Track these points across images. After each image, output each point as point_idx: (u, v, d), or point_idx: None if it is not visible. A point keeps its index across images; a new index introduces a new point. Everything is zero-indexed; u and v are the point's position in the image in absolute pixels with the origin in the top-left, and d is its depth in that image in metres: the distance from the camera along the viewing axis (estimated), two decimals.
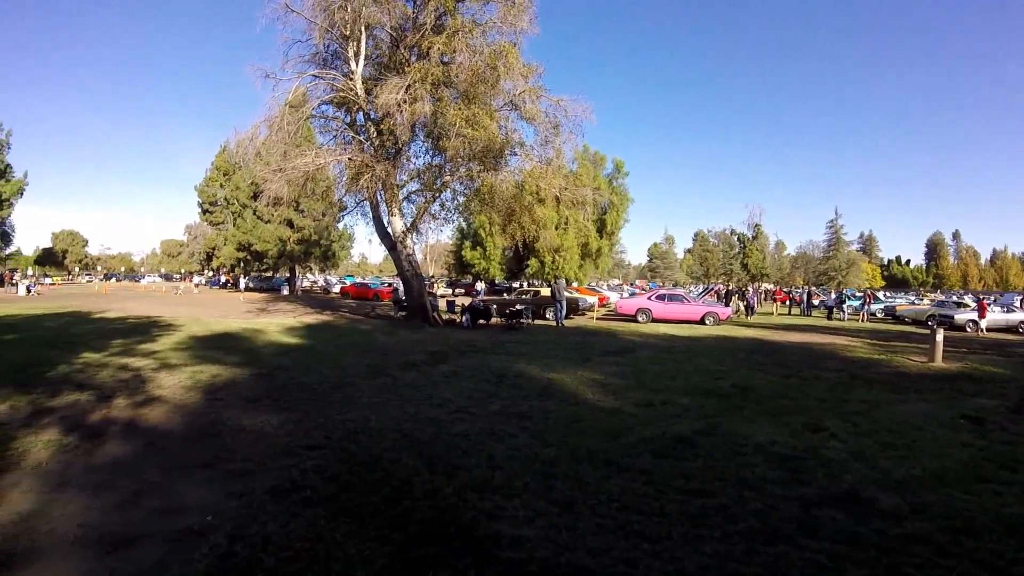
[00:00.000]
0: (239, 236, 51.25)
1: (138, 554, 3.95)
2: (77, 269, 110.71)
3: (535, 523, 4.46)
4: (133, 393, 8.81)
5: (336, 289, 57.88)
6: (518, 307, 23.56)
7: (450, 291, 55.89)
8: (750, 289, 45.64)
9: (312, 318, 25.25)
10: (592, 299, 33.13)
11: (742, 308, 33.03)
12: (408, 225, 24.37)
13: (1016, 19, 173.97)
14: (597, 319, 28.47)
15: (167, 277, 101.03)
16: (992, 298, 36.56)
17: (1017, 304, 36.59)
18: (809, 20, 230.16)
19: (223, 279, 71.11)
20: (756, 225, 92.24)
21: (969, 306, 32.19)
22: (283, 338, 16.94)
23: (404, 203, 24.84)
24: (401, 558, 3.89)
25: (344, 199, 27.15)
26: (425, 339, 17.57)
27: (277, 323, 21.83)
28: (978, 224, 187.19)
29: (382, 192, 23.23)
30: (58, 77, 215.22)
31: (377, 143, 22.83)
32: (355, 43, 22.35)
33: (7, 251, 55.26)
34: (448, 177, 23.80)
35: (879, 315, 37.93)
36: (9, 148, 49.00)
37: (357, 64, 22.39)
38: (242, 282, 58.70)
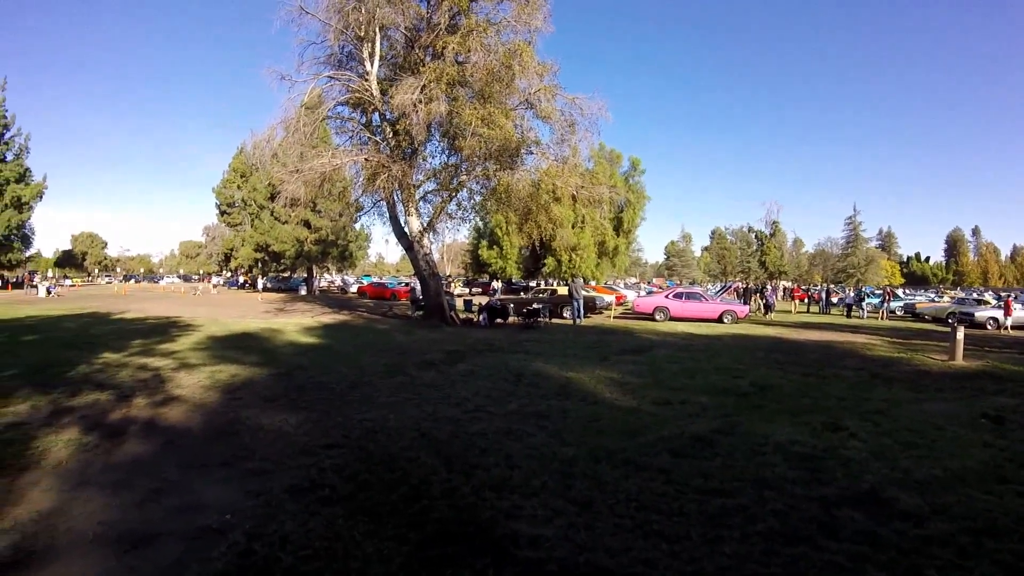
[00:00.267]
0: (257, 237, 51.58)
1: (157, 552, 3.95)
2: (97, 271, 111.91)
3: (553, 522, 4.43)
4: (152, 393, 8.88)
5: (353, 289, 58.19)
6: (535, 306, 23.49)
7: (467, 290, 55.90)
8: (769, 287, 45.25)
9: (330, 318, 25.37)
10: (609, 297, 33.08)
11: (762, 306, 32.75)
12: (425, 225, 24.40)
13: None
14: (614, 317, 28.39)
15: (186, 278, 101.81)
16: (1013, 295, 35.97)
17: None
18: (827, 16, 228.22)
19: (241, 280, 71.57)
20: (774, 222, 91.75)
21: (990, 303, 31.75)
22: (301, 338, 17.03)
23: (421, 203, 24.84)
24: (419, 557, 3.87)
25: (361, 199, 27.16)
26: (442, 338, 17.58)
27: (295, 323, 21.96)
28: (998, 220, 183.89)
29: (399, 192, 23.29)
30: (77, 80, 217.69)
31: (393, 143, 22.88)
32: (370, 44, 22.42)
33: (27, 253, 55.81)
34: (464, 176, 23.78)
35: (899, 313, 37.40)
36: (28, 152, 49.67)
37: (372, 65, 22.46)
38: (260, 282, 59.05)
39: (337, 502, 4.76)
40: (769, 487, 5.24)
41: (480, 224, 56.20)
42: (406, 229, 24.17)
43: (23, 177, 48.53)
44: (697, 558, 3.92)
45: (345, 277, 79.16)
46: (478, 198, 26.28)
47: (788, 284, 78.13)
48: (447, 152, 24.63)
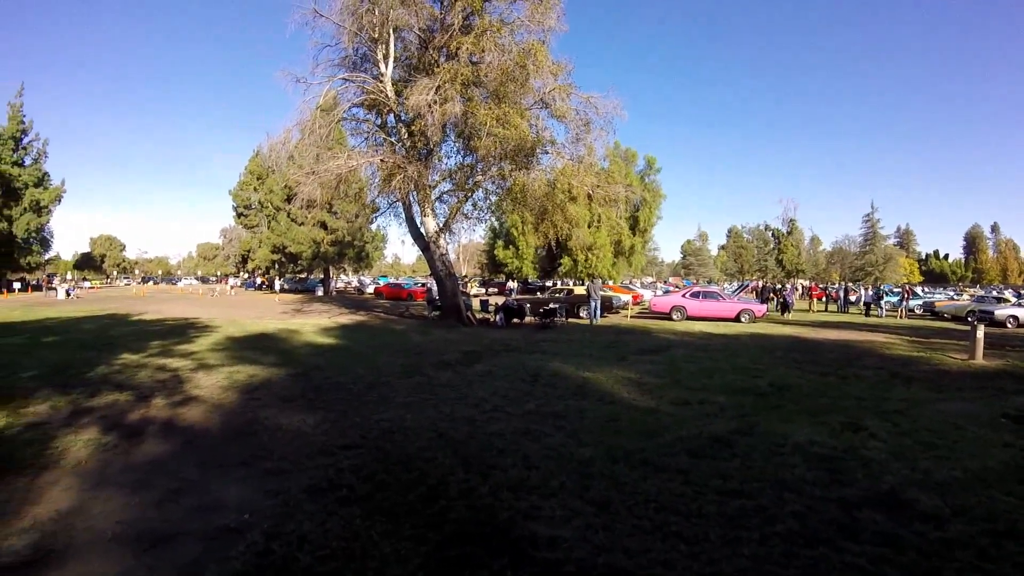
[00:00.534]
0: (273, 238, 52.01)
1: (175, 551, 3.97)
2: (115, 273, 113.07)
3: (571, 523, 4.39)
4: (171, 393, 8.94)
5: (370, 289, 58.40)
6: (552, 306, 23.43)
7: (483, 290, 55.97)
8: (787, 286, 44.91)
9: (347, 318, 25.46)
10: (626, 297, 32.93)
11: (779, 305, 32.46)
12: (441, 225, 24.46)
13: None
14: (631, 317, 28.25)
15: (203, 280, 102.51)
16: None
17: None
18: (844, 12, 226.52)
19: (258, 281, 72.10)
20: (791, 220, 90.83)
21: (1009, 301, 31.28)
22: (318, 338, 17.09)
23: (436, 203, 24.93)
24: (437, 558, 3.86)
25: (377, 200, 27.26)
26: (459, 338, 17.58)
27: (312, 324, 22.05)
28: (1018, 216, 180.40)
29: (415, 193, 23.35)
30: (95, 84, 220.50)
31: (408, 144, 22.95)
32: (384, 46, 22.49)
33: (46, 256, 56.72)
34: (480, 177, 23.78)
35: (917, 311, 36.91)
36: (47, 157, 50.47)
37: (386, 66, 22.52)
38: (277, 284, 59.52)
39: (355, 502, 4.76)
40: (788, 488, 5.18)
41: (496, 224, 56.40)
42: (422, 230, 24.25)
43: (41, 181, 49.40)
44: (716, 560, 3.88)
45: (361, 278, 79.41)
46: (494, 198, 26.31)
47: (805, 283, 77.61)
48: (462, 152, 24.71)
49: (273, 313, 28.15)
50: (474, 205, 26.19)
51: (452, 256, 27.60)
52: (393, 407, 8.22)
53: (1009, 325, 26.64)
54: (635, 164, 59.20)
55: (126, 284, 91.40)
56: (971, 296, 45.80)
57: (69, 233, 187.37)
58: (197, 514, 4.56)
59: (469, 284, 58.24)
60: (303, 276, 63.56)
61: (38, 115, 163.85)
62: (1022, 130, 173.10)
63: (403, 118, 22.98)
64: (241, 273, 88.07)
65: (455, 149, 25.37)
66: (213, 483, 5.24)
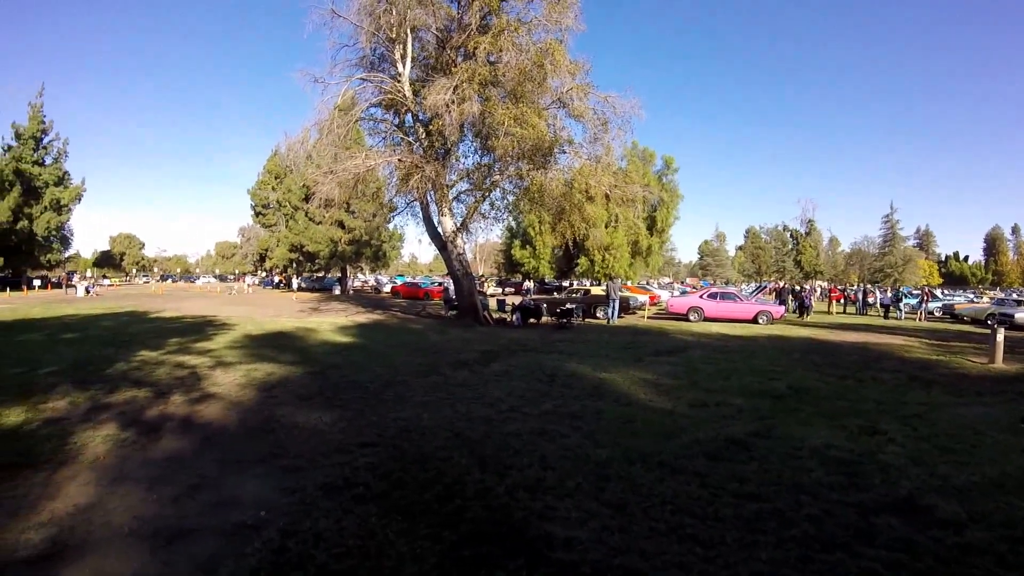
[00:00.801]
0: (291, 237, 52.37)
1: (192, 547, 3.98)
2: (134, 271, 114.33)
3: (587, 525, 4.37)
4: (189, 390, 9.00)
5: (387, 289, 58.59)
6: (568, 306, 23.39)
7: (500, 290, 56.00)
8: (807, 287, 44.51)
9: (364, 317, 25.59)
10: (643, 298, 32.81)
11: (797, 307, 32.18)
12: (458, 225, 24.48)
13: None
14: (648, 318, 28.15)
15: (221, 278, 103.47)
16: None
17: None
18: (863, 11, 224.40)
19: (276, 279, 72.61)
20: (809, 221, 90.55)
21: None
22: (335, 337, 17.16)
23: (454, 203, 24.96)
24: (452, 557, 3.85)
25: (394, 200, 27.39)
26: (476, 338, 17.58)
27: (329, 322, 22.17)
28: None
29: (432, 192, 23.39)
30: (115, 85, 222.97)
31: (426, 144, 23.01)
32: (401, 46, 22.53)
33: (66, 254, 57.47)
34: (497, 176, 23.82)
35: (937, 314, 36.53)
36: (67, 156, 51.21)
37: (404, 66, 22.56)
38: (294, 282, 59.92)
39: (371, 500, 4.76)
40: (805, 492, 5.13)
41: (513, 224, 56.43)
42: (439, 229, 24.31)
43: (62, 180, 50.19)
44: (732, 563, 3.85)
45: (379, 277, 79.78)
46: (511, 198, 26.35)
47: (824, 284, 77.06)
48: (480, 152, 24.73)
49: (290, 311, 28.33)
50: (491, 205, 26.29)
51: (469, 256, 27.63)
52: (410, 406, 8.22)
53: None
54: (653, 164, 59.12)
55: (145, 282, 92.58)
56: (991, 299, 45.27)
57: (89, 231, 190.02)
58: (214, 510, 4.57)
59: (486, 284, 58.27)
60: (320, 275, 63.95)
61: (59, 114, 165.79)
62: None
63: (421, 118, 23.08)
64: (259, 272, 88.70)
65: (472, 149, 25.44)
66: (230, 480, 5.26)
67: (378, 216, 36.38)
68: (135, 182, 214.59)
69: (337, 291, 53.85)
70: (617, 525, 4.37)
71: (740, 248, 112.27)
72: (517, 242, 60.14)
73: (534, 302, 25.00)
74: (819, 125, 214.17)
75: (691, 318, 26.48)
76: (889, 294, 39.51)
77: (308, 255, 52.61)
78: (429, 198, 24.04)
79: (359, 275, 73.02)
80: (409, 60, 22.66)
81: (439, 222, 24.31)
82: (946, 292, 62.94)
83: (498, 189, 25.14)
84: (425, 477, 5.32)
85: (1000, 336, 14.21)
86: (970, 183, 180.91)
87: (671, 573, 3.71)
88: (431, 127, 21.70)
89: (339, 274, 58.20)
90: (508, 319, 24.27)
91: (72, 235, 55.57)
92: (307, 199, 35.96)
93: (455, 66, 21.07)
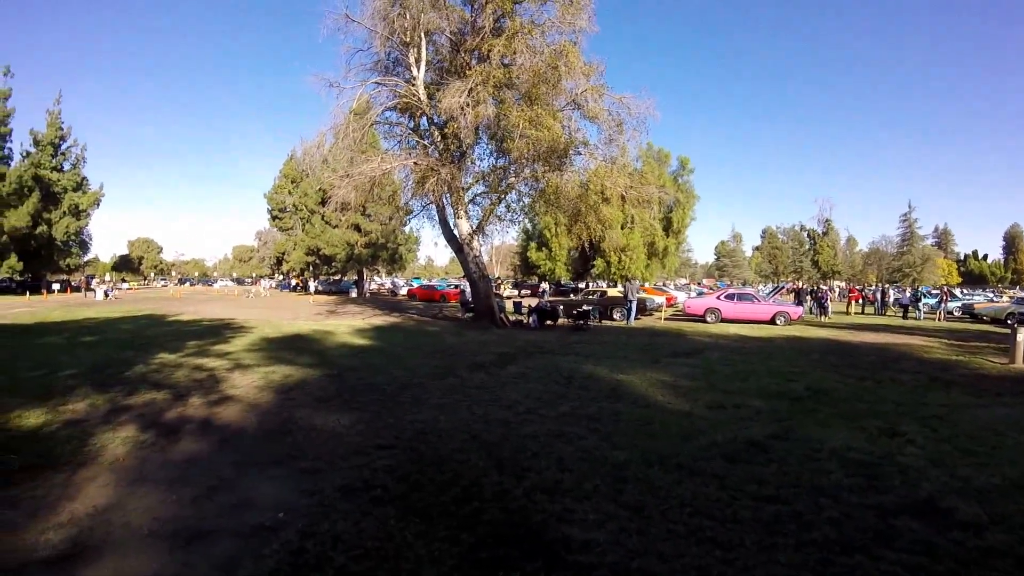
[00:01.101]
0: (308, 241, 52.69)
1: (210, 548, 4.00)
2: (152, 275, 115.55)
3: (605, 527, 4.36)
4: (207, 392, 9.06)
5: (403, 291, 58.67)
6: (585, 308, 23.34)
7: (516, 292, 55.97)
8: (824, 288, 44.17)
9: (380, 320, 25.65)
10: (660, 299, 32.71)
11: (814, 307, 31.92)
12: (474, 227, 24.52)
13: None
14: (665, 319, 28.03)
15: (239, 281, 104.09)
16: None
17: None
18: (878, 8, 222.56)
19: (293, 282, 72.97)
20: (826, 220, 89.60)
21: None
22: (352, 340, 17.22)
23: (470, 205, 24.99)
24: (470, 559, 3.85)
25: (410, 203, 27.38)
26: (493, 340, 17.58)
27: (346, 325, 22.25)
28: None
29: (448, 195, 23.41)
30: (132, 90, 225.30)
31: (441, 147, 23.04)
32: (415, 49, 22.58)
33: (85, 258, 58.19)
34: (513, 179, 23.79)
35: (956, 313, 36.04)
36: (85, 162, 51.94)
37: (419, 70, 22.61)
38: (311, 285, 60.25)
39: (389, 502, 4.76)
40: (824, 494, 5.09)
41: (529, 226, 56.34)
42: (455, 232, 24.33)
43: (80, 186, 50.91)
44: (751, 566, 3.83)
45: (395, 279, 79.98)
46: (527, 200, 26.36)
47: (842, 284, 76.44)
48: (495, 154, 24.76)
49: (308, 314, 28.47)
50: (507, 207, 26.32)
51: (485, 258, 27.62)
52: (427, 408, 8.23)
53: None
54: (668, 165, 58.88)
55: (163, 285, 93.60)
56: (1011, 298, 44.68)
57: (108, 235, 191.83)
58: (232, 512, 4.60)
59: (502, 286, 58.26)
60: (337, 278, 64.21)
61: (77, 120, 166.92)
62: None
63: (436, 121, 23.13)
64: (276, 275, 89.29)
65: (488, 151, 25.46)
66: (248, 481, 5.29)
67: (394, 219, 36.41)
68: (154, 187, 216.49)
69: (354, 294, 54.11)
70: (635, 527, 4.36)
71: (757, 248, 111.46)
72: (533, 244, 60.05)
73: (550, 304, 24.94)
74: (836, 123, 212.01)
75: (708, 319, 26.33)
76: (908, 294, 39.13)
77: (325, 258, 52.91)
78: (445, 201, 24.08)
79: (375, 278, 73.39)
80: (423, 63, 22.70)
81: (455, 225, 24.36)
82: (965, 291, 62.32)
83: (514, 191, 25.11)
84: (443, 479, 5.32)
85: (1021, 336, 14.03)
86: (989, 180, 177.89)
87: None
88: (446, 130, 21.72)
89: (356, 277, 58.48)
90: (525, 321, 24.24)
91: (91, 239, 56.27)
92: (323, 203, 36.12)
93: (469, 69, 21.09)
